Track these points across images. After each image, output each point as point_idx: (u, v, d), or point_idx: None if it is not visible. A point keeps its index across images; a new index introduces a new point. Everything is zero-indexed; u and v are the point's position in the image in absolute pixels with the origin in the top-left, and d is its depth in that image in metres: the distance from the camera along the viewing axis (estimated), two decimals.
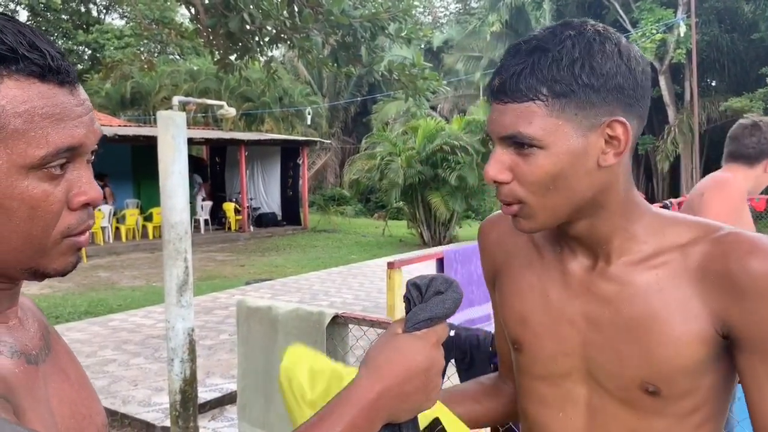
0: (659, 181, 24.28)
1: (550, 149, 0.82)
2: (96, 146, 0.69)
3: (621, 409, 0.91)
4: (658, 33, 20.39)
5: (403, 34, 5.92)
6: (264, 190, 19.78)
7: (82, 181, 0.67)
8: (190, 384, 3.61)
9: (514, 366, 1.06)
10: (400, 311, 4.05)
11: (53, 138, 0.63)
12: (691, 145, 20.04)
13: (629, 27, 21.64)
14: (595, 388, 0.93)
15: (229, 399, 4.69)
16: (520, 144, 0.83)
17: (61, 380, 0.75)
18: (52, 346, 0.77)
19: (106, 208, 14.33)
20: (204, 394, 4.61)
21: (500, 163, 0.85)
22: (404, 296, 0.81)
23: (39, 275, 0.68)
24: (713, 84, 24.14)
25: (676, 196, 17.73)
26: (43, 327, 0.79)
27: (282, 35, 5.52)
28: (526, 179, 0.85)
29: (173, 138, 3.47)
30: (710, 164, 23.93)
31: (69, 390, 0.75)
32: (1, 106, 0.60)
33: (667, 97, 22.25)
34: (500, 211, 1.04)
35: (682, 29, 16.97)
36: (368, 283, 9.96)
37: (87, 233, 0.70)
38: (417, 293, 0.79)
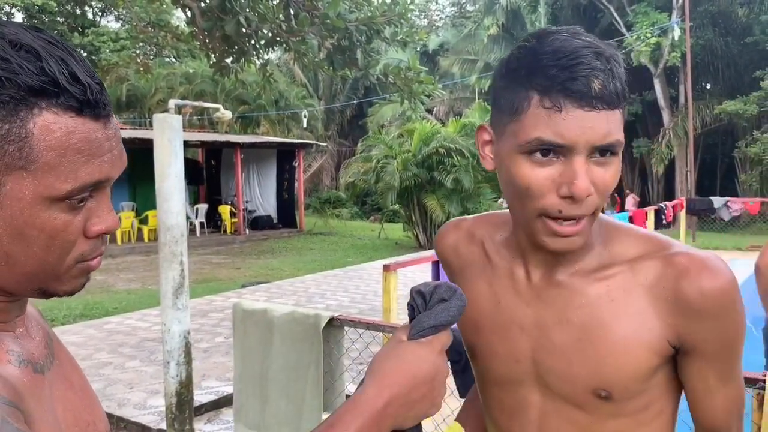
0: (654, 184, 24.35)
1: (619, 155, 0.82)
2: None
3: (574, 413, 0.92)
4: (652, 36, 20.48)
5: (398, 38, 5.94)
6: (260, 193, 19.77)
7: (102, 210, 0.67)
8: (186, 387, 3.61)
9: (475, 374, 1.07)
10: (395, 314, 4.06)
11: (82, 174, 0.63)
12: (685, 148, 20.12)
13: (624, 30, 21.73)
14: (547, 394, 0.95)
15: (224, 402, 4.68)
16: (605, 152, 0.80)
17: (66, 388, 0.75)
18: (55, 354, 0.78)
19: None
20: (200, 397, 4.61)
21: (588, 177, 0.80)
22: (408, 304, 0.82)
23: (47, 295, 0.69)
24: (708, 87, 24.23)
25: (671, 199, 17.78)
26: (47, 335, 0.79)
27: (278, 38, 5.54)
28: (604, 189, 0.82)
29: (169, 141, 3.48)
30: (705, 167, 24.04)
31: (73, 397, 0.75)
32: (36, 138, 0.60)
33: (661, 100, 22.34)
34: (454, 219, 1.09)
35: (677, 33, 17.05)
36: (364, 285, 9.96)
37: (99, 258, 0.70)
38: (421, 301, 0.80)
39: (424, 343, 0.76)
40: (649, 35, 20.47)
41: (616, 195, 21.66)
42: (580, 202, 0.80)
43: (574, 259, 0.91)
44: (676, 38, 18.03)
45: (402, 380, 0.74)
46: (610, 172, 0.81)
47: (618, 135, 0.80)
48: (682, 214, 13.81)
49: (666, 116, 22.33)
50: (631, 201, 19.74)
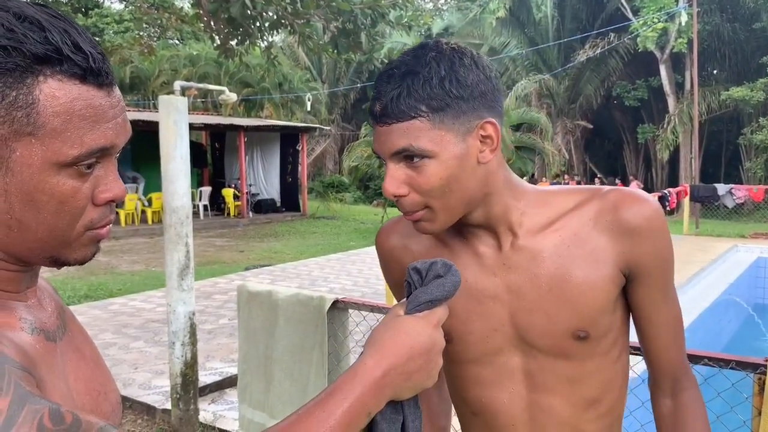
0: (658, 171, 24.30)
1: (439, 157, 0.92)
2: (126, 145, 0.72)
3: (557, 363, 1.03)
4: (659, 22, 20.32)
5: (403, 21, 5.91)
6: (263, 177, 19.77)
7: (109, 178, 0.69)
8: (190, 367, 3.65)
9: (443, 358, 1.11)
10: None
11: (88, 139, 0.65)
12: (690, 134, 20.04)
13: (630, 15, 21.57)
14: (528, 352, 1.04)
15: (228, 382, 4.73)
16: (410, 157, 0.92)
17: (77, 358, 0.77)
18: (67, 325, 0.80)
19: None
20: (204, 378, 4.65)
21: (396, 179, 0.94)
22: (405, 280, 0.84)
23: (59, 263, 0.71)
24: (714, 73, 24.09)
25: (675, 186, 17.73)
26: (59, 307, 0.81)
27: (283, 21, 5.52)
28: (423, 188, 0.93)
29: (175, 123, 3.49)
30: (710, 154, 23.97)
31: (84, 367, 0.77)
32: (42, 104, 0.62)
33: (667, 86, 22.22)
34: (390, 221, 1.16)
35: (684, 18, 16.91)
36: (367, 269, 10.00)
37: (108, 226, 0.72)
38: (417, 277, 0.82)
39: (421, 317, 0.79)
40: (655, 20, 20.31)
41: (619, 181, 21.61)
42: (400, 200, 0.95)
43: (519, 224, 1.02)
44: (683, 24, 17.87)
45: (400, 351, 0.76)
46: (427, 174, 0.92)
47: (413, 141, 0.90)
48: (686, 201, 13.79)
49: (671, 102, 22.21)
50: (634, 187, 19.71)
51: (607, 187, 1.03)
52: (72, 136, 0.64)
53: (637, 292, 1.03)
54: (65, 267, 0.73)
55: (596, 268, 0.99)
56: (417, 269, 0.83)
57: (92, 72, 0.65)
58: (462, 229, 1.05)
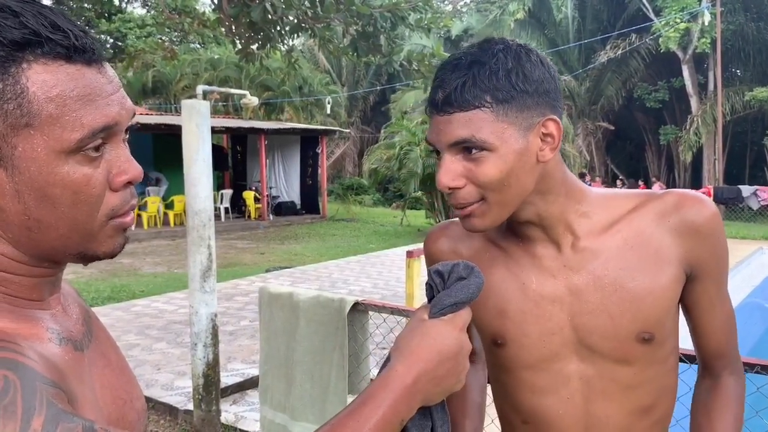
0: (681, 172, 24.00)
1: (500, 151, 0.90)
2: (130, 123, 0.68)
3: (617, 370, 1.00)
4: (682, 22, 20.09)
5: (423, 24, 5.92)
6: (283, 179, 19.88)
7: (121, 160, 0.65)
8: (212, 368, 3.68)
9: (491, 364, 1.10)
10: (419, 300, 4.08)
11: (87, 119, 0.61)
12: (714, 135, 19.77)
13: (652, 16, 21.35)
14: (586, 358, 1.00)
15: (250, 384, 4.76)
16: (469, 149, 0.90)
17: (103, 365, 0.75)
18: (93, 331, 0.78)
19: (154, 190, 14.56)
20: (225, 379, 4.69)
21: (452, 171, 0.91)
22: (426, 283, 0.84)
23: (87, 258, 0.68)
24: (738, 73, 23.75)
25: (698, 188, 17.51)
26: (85, 312, 0.79)
27: (303, 24, 5.55)
28: (481, 181, 0.91)
29: (197, 126, 3.53)
30: (733, 155, 23.61)
31: (111, 375, 0.75)
32: (33, 92, 0.59)
33: (690, 87, 21.95)
34: (441, 224, 1.14)
35: (707, 18, 16.71)
36: (386, 271, 10.00)
37: (132, 213, 0.69)
38: (440, 280, 0.82)
39: (447, 320, 0.78)
40: (678, 21, 20.08)
41: (641, 183, 21.39)
42: (453, 193, 0.92)
43: (579, 225, 1.00)
44: (706, 23, 17.66)
45: (429, 356, 0.75)
46: (486, 167, 0.90)
47: (475, 132, 0.88)
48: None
49: (694, 103, 21.94)
50: (657, 189, 19.50)
51: (662, 191, 1.04)
52: (70, 120, 0.60)
53: (696, 291, 1.01)
54: (90, 265, 0.70)
55: (661, 269, 0.98)
56: (439, 272, 0.82)
57: (76, 49, 0.61)
58: (517, 231, 1.03)
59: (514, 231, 1.03)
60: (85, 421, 0.57)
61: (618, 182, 22.00)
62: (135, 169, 0.66)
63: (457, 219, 1.12)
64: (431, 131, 0.93)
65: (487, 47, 0.91)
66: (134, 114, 0.68)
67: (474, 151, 0.90)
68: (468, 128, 0.89)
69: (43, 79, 0.59)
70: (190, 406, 4.06)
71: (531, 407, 1.05)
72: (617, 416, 1.01)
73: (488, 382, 1.17)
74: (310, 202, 19.51)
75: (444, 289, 0.81)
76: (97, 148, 0.63)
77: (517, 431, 1.10)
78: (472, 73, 0.89)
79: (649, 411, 1.02)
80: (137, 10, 27.29)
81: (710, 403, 1.07)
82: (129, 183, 0.66)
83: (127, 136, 0.69)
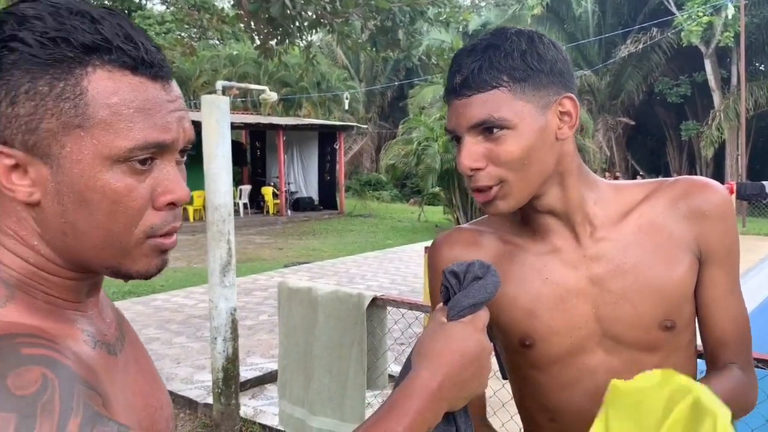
0: (702, 168, 23.70)
1: (519, 128, 0.91)
2: (189, 148, 0.68)
3: (642, 358, 0.99)
4: (704, 15, 19.80)
5: (442, 18, 5.89)
6: (302, 175, 19.95)
7: (169, 179, 0.64)
8: (232, 362, 3.71)
9: (516, 365, 1.07)
10: (436, 296, 4.08)
11: (141, 132, 0.61)
12: (737, 131, 19.49)
13: (674, 9, 21.07)
14: (611, 349, 1.00)
15: (269, 378, 4.79)
16: (489, 129, 0.91)
17: (136, 371, 0.74)
18: (126, 336, 0.77)
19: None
20: (244, 373, 4.72)
21: (473, 153, 0.92)
22: (442, 284, 0.82)
23: (120, 275, 0.66)
24: (762, 68, 23.37)
25: (721, 183, 17.24)
26: (118, 316, 0.79)
27: (322, 20, 5.55)
28: (502, 160, 0.92)
29: (217, 122, 3.54)
30: (757, 150, 23.26)
31: (142, 381, 0.74)
32: (92, 96, 0.59)
33: (712, 81, 21.64)
34: (448, 231, 1.11)
35: (730, 11, 16.46)
36: (404, 267, 10.00)
37: (174, 236, 0.67)
38: (455, 281, 0.80)
39: (466, 322, 0.77)
40: (700, 14, 19.80)
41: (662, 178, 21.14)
42: (474, 175, 0.93)
43: (594, 214, 1.00)
44: (730, 17, 17.40)
45: (452, 360, 0.74)
46: (507, 145, 0.91)
47: (494, 112, 0.90)
48: (732, 199, 13.41)
49: (717, 98, 21.63)
50: None
51: (672, 178, 1.05)
52: (123, 128, 0.60)
53: (704, 277, 1.01)
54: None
55: (677, 255, 0.99)
56: (454, 272, 0.80)
57: (143, 62, 0.62)
58: (533, 223, 1.02)
59: (530, 224, 1.03)
60: (120, 425, 0.56)
61: (638, 177, 21.77)
62: (181, 191, 0.65)
63: (462, 226, 1.12)
64: (450, 118, 0.94)
65: (500, 32, 0.94)
66: (192, 139, 0.67)
67: (495, 130, 0.90)
68: (486, 108, 0.90)
69: (104, 84, 0.60)
70: (210, 400, 4.10)
71: (558, 404, 1.03)
72: None
73: (510, 382, 1.14)
74: (327, 198, 19.56)
75: (460, 290, 0.79)
76: (144, 162, 0.62)
77: (543, 429, 1.08)
78: (488, 56, 0.90)
79: None
80: (157, 7, 27.47)
81: (709, 376, 1.04)
82: (173, 204, 0.65)
83: (184, 159, 0.68)
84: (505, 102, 0.90)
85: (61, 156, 0.60)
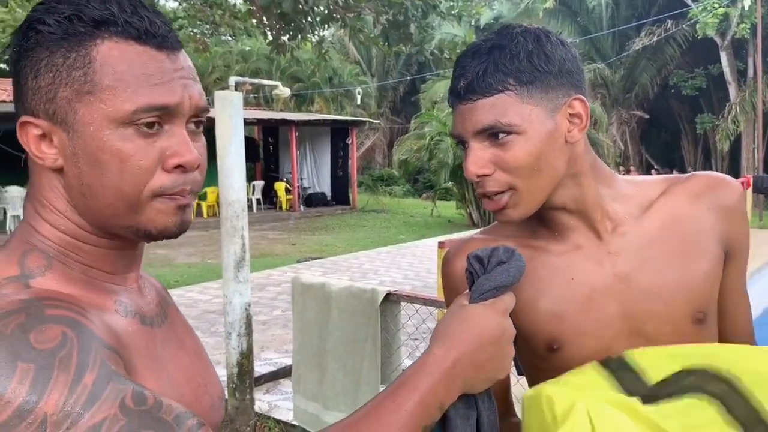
0: (718, 162, 23.46)
1: (527, 133, 0.88)
2: (202, 117, 0.71)
3: None
4: (720, 7, 19.57)
5: (454, 12, 5.87)
6: (314, 170, 19.99)
7: (178, 143, 0.68)
8: (246, 357, 3.72)
9: (540, 370, 1.03)
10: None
11: (144, 95, 0.65)
12: (753, 123, 19.26)
13: (689, 1, 20.84)
14: (640, 346, 0.96)
15: (283, 373, 4.80)
16: (495, 135, 0.88)
17: (177, 348, 0.78)
18: (169, 316, 0.80)
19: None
20: (259, 368, 4.73)
21: (480, 159, 0.89)
22: (466, 270, 0.82)
23: (142, 235, 0.70)
24: None
25: (736, 177, 17.07)
26: (162, 298, 0.82)
27: (334, 15, 5.54)
28: (510, 166, 0.89)
29: (230, 118, 3.55)
30: None
31: (185, 358, 0.78)
32: (99, 64, 0.65)
33: (728, 74, 21.39)
34: (457, 243, 1.08)
35: (747, 2, 16.25)
36: (417, 262, 9.99)
37: (187, 196, 0.70)
38: (479, 265, 0.80)
39: (488, 305, 0.77)
40: (716, 5, 19.56)
41: (676, 173, 20.96)
42: (482, 181, 0.90)
43: (614, 209, 0.98)
44: (746, 8, 17.18)
45: (468, 339, 0.74)
46: (515, 151, 0.88)
47: (500, 117, 0.87)
48: (748, 193, 13.27)
49: (733, 90, 21.38)
50: None
51: (684, 174, 1.04)
52: (127, 92, 0.65)
53: (729, 271, 1.01)
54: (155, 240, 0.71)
55: (704, 247, 0.98)
56: (478, 257, 0.80)
57: (148, 33, 0.66)
58: (551, 223, 0.99)
59: (548, 224, 0.99)
60: (136, 385, 0.59)
61: (653, 172, 21.59)
62: (189, 154, 0.68)
63: (475, 235, 1.09)
64: (455, 123, 0.92)
65: (505, 32, 0.91)
66: (202, 107, 0.70)
67: (501, 136, 0.88)
68: (492, 113, 0.87)
69: (110, 53, 0.65)
70: (225, 395, 4.11)
71: None
72: None
73: (530, 385, 1.12)
74: (340, 193, 19.58)
75: (484, 274, 0.79)
76: (151, 125, 0.66)
77: None
78: (493, 58, 0.88)
79: None
80: (169, 4, 27.59)
81: None
82: (181, 167, 0.68)
83: (199, 128, 0.71)
84: (512, 106, 0.87)
85: (75, 121, 0.65)
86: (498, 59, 0.87)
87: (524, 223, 1.01)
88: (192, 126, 0.70)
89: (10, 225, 13.18)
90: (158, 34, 0.67)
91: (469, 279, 0.81)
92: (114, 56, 0.65)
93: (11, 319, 0.57)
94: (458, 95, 0.90)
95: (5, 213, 13.53)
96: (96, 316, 0.64)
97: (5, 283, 0.64)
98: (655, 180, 1.04)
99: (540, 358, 1.02)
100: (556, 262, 0.99)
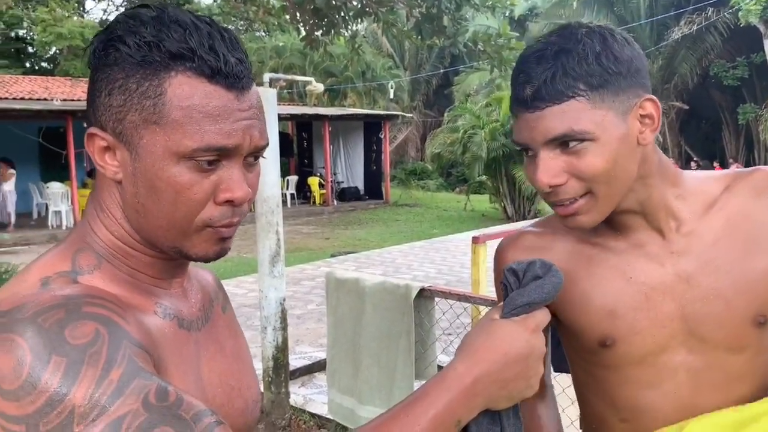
0: (761, 153, 22.83)
1: (601, 139, 0.85)
2: (260, 153, 0.73)
3: (726, 359, 0.95)
4: None
5: (488, 4, 5.80)
6: (347, 165, 20.05)
7: (232, 180, 0.70)
8: (282, 351, 3.75)
9: (591, 364, 1.03)
10: (485, 286, 4.03)
11: (207, 135, 0.67)
12: None
13: None
14: (695, 348, 0.95)
15: (317, 367, 4.84)
16: (567, 143, 0.85)
17: (215, 350, 0.80)
18: (211, 319, 0.83)
19: None
20: (294, 362, 4.78)
21: (551, 168, 0.86)
22: (501, 282, 0.80)
23: (183, 255, 0.74)
24: None
25: None
26: (208, 300, 0.85)
27: (367, 9, 5.53)
28: (586, 174, 0.86)
29: (265, 114, 3.57)
30: None
31: (221, 361, 0.80)
32: (169, 97, 0.67)
33: None
34: (511, 235, 1.07)
35: None
36: (450, 257, 9.96)
37: (231, 229, 0.73)
38: (514, 279, 0.78)
39: (518, 321, 0.74)
40: None
41: (716, 164, 20.47)
42: (555, 190, 0.87)
43: (679, 208, 0.95)
44: None
45: (493, 357, 0.72)
46: (590, 158, 0.85)
47: (574, 125, 0.84)
48: None
49: None
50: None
51: (747, 169, 1.01)
52: (192, 130, 0.67)
53: None
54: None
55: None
56: (513, 270, 0.78)
57: (221, 73, 0.68)
58: (614, 222, 0.97)
59: (611, 223, 0.97)
60: (161, 382, 0.61)
61: (692, 164, 21.12)
62: (240, 191, 0.70)
63: (529, 228, 1.08)
64: (521, 131, 0.88)
65: (568, 33, 0.87)
66: (261, 146, 0.72)
67: (573, 144, 0.85)
68: (565, 121, 0.84)
69: (181, 89, 0.67)
70: (261, 388, 4.16)
71: (633, 403, 0.99)
72: (722, 408, 0.95)
73: (576, 381, 1.10)
74: (373, 188, 19.61)
75: (518, 288, 0.77)
76: (210, 162, 0.68)
77: (611, 429, 1.04)
78: (560, 62, 0.84)
79: (749, 401, 0.96)
80: (204, 1, 27.92)
81: None
82: (230, 202, 0.71)
83: (256, 161, 0.74)
84: (584, 112, 0.84)
85: (139, 146, 0.68)
86: (566, 63, 0.84)
87: None
88: (250, 159, 0.72)
89: (52, 220, 13.53)
90: (230, 74, 0.68)
91: (504, 292, 0.79)
92: (184, 92, 0.67)
93: (52, 314, 0.60)
94: (524, 103, 0.86)
95: (47, 208, 13.90)
96: (132, 316, 0.67)
97: (56, 277, 0.68)
98: (718, 175, 1.00)
99: (591, 353, 1.01)
100: (614, 260, 0.98)
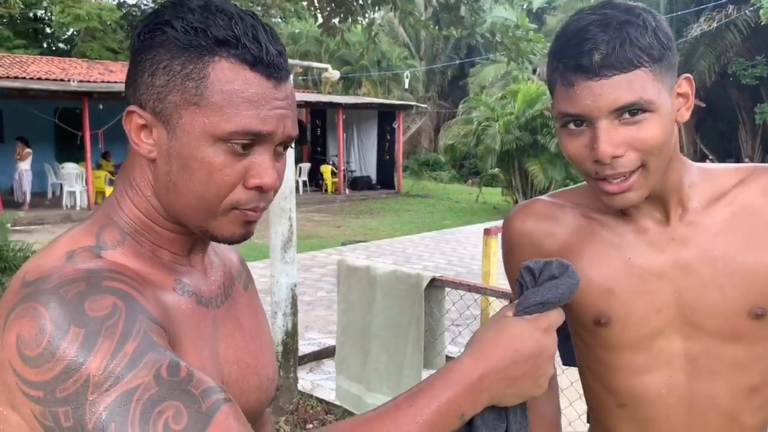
0: None
1: (659, 111, 0.86)
2: (290, 143, 0.76)
3: (724, 347, 0.95)
4: None
5: None
6: (360, 154, 20.04)
7: (262, 166, 0.72)
8: (291, 337, 3.78)
9: (589, 345, 1.04)
10: (495, 278, 4.04)
11: (243, 120, 0.70)
12: None
13: None
14: (691, 335, 0.96)
15: (326, 353, 4.87)
16: (633, 112, 0.85)
17: (233, 328, 0.83)
18: (232, 296, 0.86)
19: None
20: (303, 348, 4.81)
21: (614, 138, 0.86)
22: (516, 281, 0.80)
23: (208, 236, 0.76)
24: None
25: None
26: (229, 278, 0.87)
27: None
28: (646, 145, 0.86)
29: None
30: None
31: (239, 338, 0.83)
32: (211, 80, 0.70)
33: None
34: (524, 203, 1.07)
35: None
36: (461, 248, 9.96)
37: (258, 212, 0.76)
38: (530, 278, 0.78)
39: (530, 320, 0.74)
40: None
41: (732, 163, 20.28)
42: (612, 163, 0.86)
43: (688, 197, 0.96)
44: None
45: (501, 354, 0.72)
46: (650, 129, 0.85)
47: (642, 94, 0.84)
48: None
49: None
50: None
51: (760, 164, 1.01)
52: (229, 113, 0.69)
53: None
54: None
55: None
56: (530, 269, 0.78)
57: (262, 62, 0.70)
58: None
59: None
60: (174, 357, 0.63)
61: (707, 162, 20.93)
62: (269, 178, 0.73)
63: (541, 197, 1.09)
64: (580, 99, 0.86)
65: (626, 6, 0.87)
66: (293, 136, 0.75)
67: (637, 114, 0.85)
68: (633, 90, 0.84)
69: (224, 74, 0.70)
70: (276, 377, 4.19)
71: (630, 388, 1.00)
72: (723, 397, 0.97)
73: (576, 366, 1.11)
74: (385, 177, 19.60)
75: (533, 287, 0.77)
76: (244, 146, 0.71)
77: (611, 415, 1.04)
78: (627, 31, 0.84)
79: (757, 391, 0.98)
80: None
81: None
82: (259, 188, 0.73)
83: (285, 151, 0.76)
84: (649, 83, 0.84)
85: (177, 125, 0.71)
86: (632, 33, 0.84)
87: (594, 195, 0.98)
88: (280, 149, 0.75)
89: (66, 201, 13.65)
90: (271, 64, 0.71)
91: (519, 290, 0.79)
92: (226, 77, 0.70)
93: (73, 286, 0.63)
94: (589, 70, 0.84)
95: (62, 189, 14.01)
96: (151, 291, 0.69)
97: (80, 251, 0.70)
98: (731, 169, 1.00)
99: (587, 331, 1.03)
100: (616, 240, 0.99)
